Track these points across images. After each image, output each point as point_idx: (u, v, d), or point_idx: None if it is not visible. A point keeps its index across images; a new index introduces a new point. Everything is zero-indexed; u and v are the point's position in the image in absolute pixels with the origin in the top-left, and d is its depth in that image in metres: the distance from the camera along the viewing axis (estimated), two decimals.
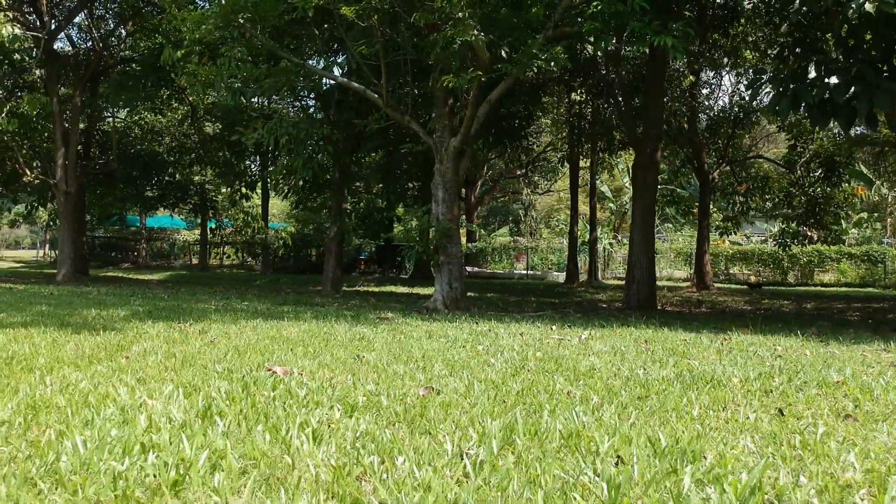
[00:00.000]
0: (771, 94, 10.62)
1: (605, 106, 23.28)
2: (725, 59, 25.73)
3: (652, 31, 10.50)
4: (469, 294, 20.86)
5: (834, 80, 10.10)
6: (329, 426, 3.38)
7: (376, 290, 22.59)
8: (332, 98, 18.63)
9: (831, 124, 11.24)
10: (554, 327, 9.20)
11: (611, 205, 49.50)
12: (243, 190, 29.25)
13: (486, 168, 39.26)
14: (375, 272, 36.76)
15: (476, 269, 38.60)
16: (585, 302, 20.09)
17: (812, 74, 10.35)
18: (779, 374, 5.40)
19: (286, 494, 2.45)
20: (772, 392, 4.68)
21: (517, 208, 55.04)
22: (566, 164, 31.14)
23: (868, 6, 8.72)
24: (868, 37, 10.07)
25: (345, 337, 7.25)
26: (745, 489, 2.51)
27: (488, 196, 45.85)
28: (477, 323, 9.50)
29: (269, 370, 4.94)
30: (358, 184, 28.00)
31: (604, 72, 21.08)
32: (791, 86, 10.37)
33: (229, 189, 30.98)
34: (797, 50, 10.85)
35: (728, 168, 29.54)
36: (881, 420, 3.95)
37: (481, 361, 5.74)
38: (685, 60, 24.63)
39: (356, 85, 14.27)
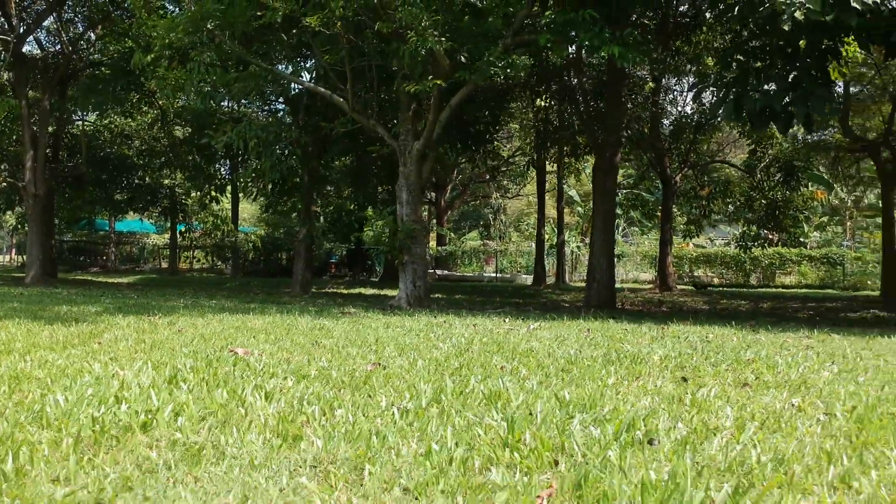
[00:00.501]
0: (715, 100, 11.21)
1: (569, 111, 23.88)
2: (688, 66, 26.44)
3: (601, 40, 11.07)
4: (437, 295, 21.32)
5: (773, 86, 10.74)
6: (281, 390, 3.84)
7: (345, 291, 22.98)
8: (301, 102, 19.03)
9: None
10: (507, 320, 9.72)
11: (579, 208, 50.24)
12: (213, 193, 29.48)
13: (456, 173, 39.79)
14: (346, 275, 37.09)
15: (446, 272, 39.09)
16: (549, 302, 20.64)
17: (753, 81, 10.98)
18: (699, 353, 5.95)
19: (238, 432, 2.92)
20: (685, 367, 5.22)
21: (487, 212, 55.66)
22: (533, 168, 31.76)
23: (798, 14, 9.33)
24: (803, 44, 10.70)
25: (306, 327, 7.70)
26: (620, 427, 3.02)
27: (458, 200, 46.38)
28: (435, 317, 9.98)
29: (232, 351, 5.39)
30: (328, 187, 28.35)
31: (566, 78, 21.68)
32: (733, 91, 10.99)
33: (199, 192, 31.17)
34: (739, 57, 11.48)
35: (690, 172, 30.28)
36: (772, 387, 4.49)
37: (430, 345, 6.23)
38: (648, 67, 25.40)
39: (322, 90, 14.71)
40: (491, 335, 7.29)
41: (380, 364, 4.93)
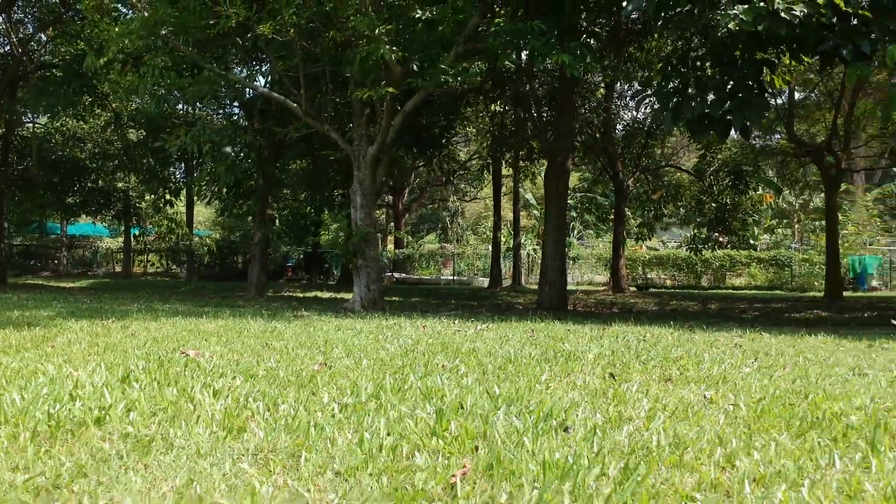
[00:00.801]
0: (656, 109, 11.64)
1: (523, 116, 24.29)
2: (640, 73, 27.05)
3: (549, 49, 11.45)
4: (393, 298, 21.54)
5: (711, 96, 11.20)
6: (229, 388, 4.07)
7: (301, 295, 23.08)
8: (256, 106, 19.13)
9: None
10: (457, 321, 10.01)
11: (535, 212, 50.84)
12: (167, 197, 29.32)
13: (413, 176, 40.06)
14: (302, 279, 37.08)
15: (404, 275, 39.30)
16: (503, 304, 21.00)
17: (692, 91, 11.44)
18: (631, 352, 6.30)
19: (186, 426, 3.15)
20: (616, 364, 5.55)
21: (445, 215, 56.01)
22: (489, 172, 32.16)
23: (732, 25, 9.78)
24: (738, 52, 11.17)
25: (258, 330, 7.89)
26: (540, 417, 3.32)
27: (416, 203, 46.66)
28: (387, 319, 10.23)
29: (183, 353, 5.58)
30: (285, 190, 28.40)
31: (519, 85, 22.07)
32: (673, 101, 11.43)
33: (153, 196, 30.97)
34: (679, 67, 11.94)
35: (643, 176, 30.92)
36: (692, 382, 4.83)
37: (378, 347, 6.48)
38: (600, 73, 25.97)
39: (276, 95, 14.87)
40: (438, 336, 7.57)
41: (326, 364, 5.18)
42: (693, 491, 2.46)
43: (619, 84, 28.87)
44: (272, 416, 3.39)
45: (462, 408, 3.65)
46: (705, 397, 4.21)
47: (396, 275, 38.50)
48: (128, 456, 2.76)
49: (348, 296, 21.72)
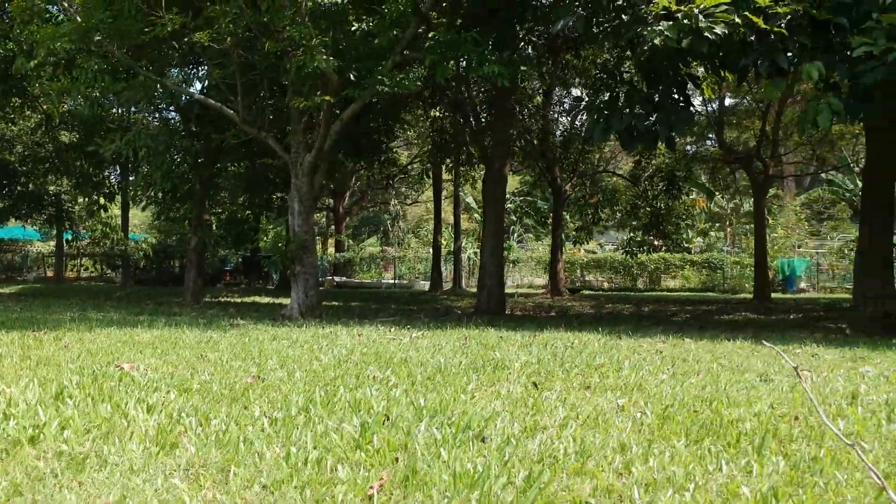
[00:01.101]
0: (588, 121, 12.02)
1: (461, 122, 24.59)
2: (577, 79, 27.61)
3: (483, 61, 11.74)
4: (333, 303, 21.61)
5: (638, 109, 11.62)
6: (163, 403, 4.19)
7: (239, 300, 22.94)
8: (193, 110, 18.98)
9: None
10: (393, 329, 10.20)
11: (476, 215, 51.27)
12: (101, 201, 28.77)
13: (354, 179, 40.06)
14: (241, 283, 36.75)
15: (345, 279, 39.26)
16: (442, 308, 21.25)
17: (621, 104, 11.86)
18: (557, 359, 6.58)
19: (120, 442, 3.29)
20: (541, 372, 5.82)
21: (387, 218, 56.06)
22: (429, 177, 32.43)
23: (657, 40, 10.20)
24: (664, 67, 11.62)
25: (193, 341, 7.96)
26: (459, 428, 3.54)
27: (357, 206, 46.63)
28: (324, 327, 10.36)
29: (118, 366, 5.65)
30: (223, 193, 28.12)
31: (457, 92, 22.35)
32: (604, 114, 11.83)
33: (87, 199, 30.34)
34: (609, 81, 12.36)
35: (580, 181, 31.54)
36: (609, 390, 5.12)
37: (312, 357, 6.63)
38: (538, 80, 26.45)
39: (213, 102, 14.83)
40: (373, 345, 7.75)
41: (259, 377, 5.32)
42: (589, 497, 2.71)
43: (556, 91, 29.42)
44: (204, 432, 3.54)
45: (388, 419, 3.85)
46: (618, 405, 4.49)
47: (337, 278, 38.45)
48: (62, 474, 2.88)
49: (287, 301, 21.68)
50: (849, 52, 9.75)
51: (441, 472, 2.85)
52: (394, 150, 30.78)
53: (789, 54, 10.50)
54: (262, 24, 12.39)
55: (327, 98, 12.13)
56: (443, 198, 35.21)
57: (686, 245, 41.94)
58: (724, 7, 9.94)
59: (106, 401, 4.16)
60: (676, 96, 11.75)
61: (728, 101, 30.98)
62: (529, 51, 21.87)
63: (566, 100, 31.71)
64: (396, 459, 3.12)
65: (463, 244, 39.32)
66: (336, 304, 21.12)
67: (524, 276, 43.54)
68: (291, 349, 7.28)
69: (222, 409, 4.10)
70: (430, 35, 11.86)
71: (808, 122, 10.07)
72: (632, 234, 31.71)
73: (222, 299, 23.26)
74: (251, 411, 4.06)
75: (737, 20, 9.97)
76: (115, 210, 35.47)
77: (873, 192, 12.92)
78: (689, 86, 12.11)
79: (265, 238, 28.80)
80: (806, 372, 6.14)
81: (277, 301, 22.52)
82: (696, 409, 4.38)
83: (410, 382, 5.14)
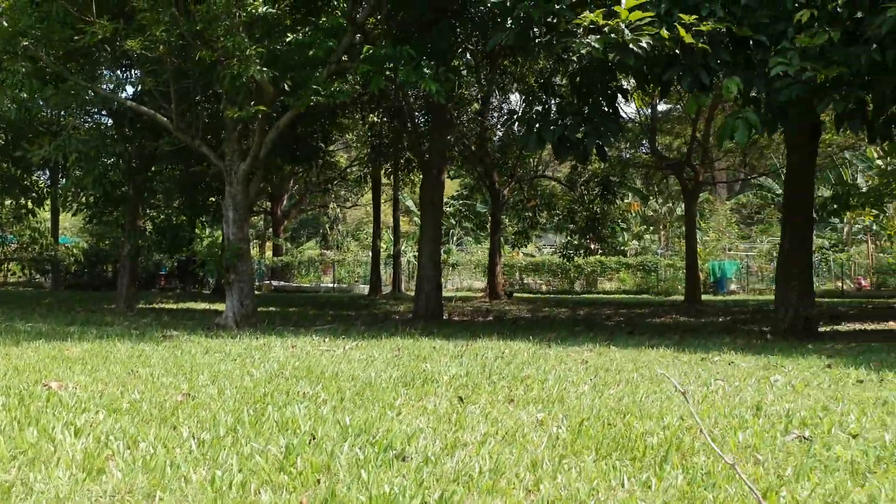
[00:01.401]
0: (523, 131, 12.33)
1: (399, 128, 24.73)
2: (515, 85, 27.97)
3: (418, 75, 11.92)
4: (270, 309, 21.49)
5: (570, 120, 11.96)
6: (91, 425, 4.24)
7: (174, 306, 22.65)
8: (126, 115, 18.69)
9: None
10: (327, 340, 10.28)
11: (416, 218, 51.39)
12: (30, 205, 28.02)
13: (292, 182, 39.81)
14: (176, 288, 36.19)
15: (283, 283, 38.97)
16: (380, 313, 21.34)
17: (553, 115, 12.18)
18: (486, 371, 6.79)
19: (46, 469, 3.35)
20: (468, 385, 6.01)
21: (325, 221, 55.79)
22: (367, 183, 32.51)
23: (584, 51, 10.52)
24: (594, 80, 11.98)
25: (124, 355, 7.93)
26: (382, 447, 3.70)
27: (295, 209, 46.32)
28: (258, 338, 10.38)
29: (46, 385, 5.64)
30: (158, 195, 27.64)
31: (394, 100, 22.48)
32: (536, 125, 12.12)
33: (14, 203, 29.49)
34: (541, 94, 12.70)
35: (518, 186, 31.98)
36: (532, 403, 5.34)
37: (244, 372, 6.70)
38: (476, 87, 26.79)
39: (146, 109, 14.67)
40: (305, 358, 7.84)
41: (190, 394, 5.38)
42: None
43: (495, 96, 29.77)
44: (132, 455, 3.62)
45: (314, 439, 3.99)
46: (537, 419, 4.70)
47: (275, 283, 38.16)
48: None
49: (223, 307, 21.49)
50: (767, 70, 10.23)
51: (359, 493, 3.00)
52: (333, 153, 30.73)
53: (712, 69, 10.95)
54: (196, 33, 12.33)
55: (261, 108, 12.15)
56: (382, 201, 35.29)
57: (621, 248, 42.91)
58: (649, 20, 10.29)
59: (33, 424, 4.19)
60: (606, 108, 12.11)
61: (663, 107, 31.82)
62: (468, 56, 22.17)
63: (505, 105, 32.11)
64: (318, 481, 3.26)
65: (403, 247, 39.44)
66: (273, 309, 21.02)
67: (464, 279, 43.86)
68: (223, 363, 7.33)
69: (151, 430, 4.17)
70: (365, 48, 11.97)
71: (727, 136, 10.51)
72: (569, 238, 32.29)
73: (157, 305, 22.92)
74: (180, 432, 4.14)
75: (664, 34, 10.31)
76: (45, 214, 34.56)
77: (793, 203, 13.49)
78: (618, 97, 12.49)
79: (200, 244, 28.36)
80: (720, 382, 6.47)
81: (213, 307, 22.28)
82: (611, 422, 4.61)
83: (339, 399, 5.27)
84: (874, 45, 9.81)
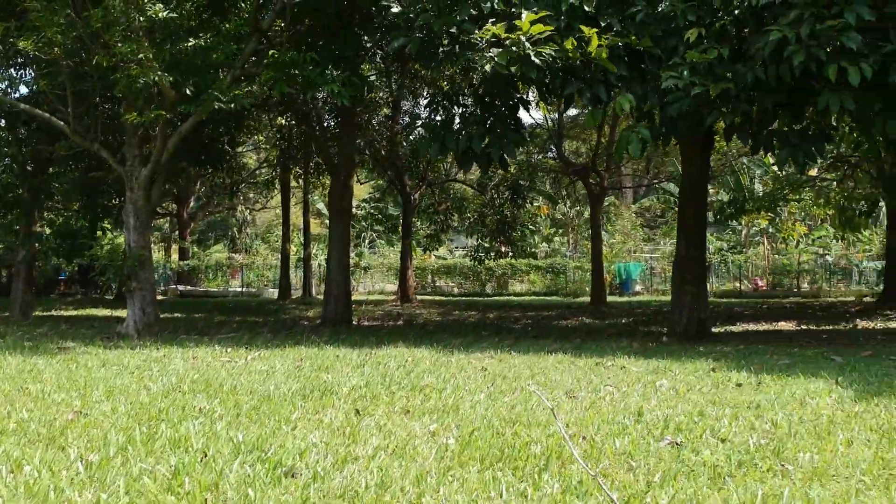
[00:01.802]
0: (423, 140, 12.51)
1: (308, 132, 24.55)
2: (426, 89, 28.12)
3: (322, 80, 11.95)
4: (175, 315, 21.03)
5: (473, 130, 12.19)
6: None
7: (74, 313, 21.88)
8: (20, 117, 17.99)
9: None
10: (229, 350, 10.20)
11: (328, 221, 51.01)
12: None
13: (199, 184, 38.97)
14: (77, 294, 34.91)
15: (189, 287, 38.10)
16: (289, 319, 21.17)
17: (457, 125, 12.40)
18: (385, 381, 6.90)
19: None
20: (367, 397, 6.11)
21: (234, 224, 54.78)
22: (275, 186, 32.21)
23: (487, 66, 10.76)
24: (497, 91, 12.25)
25: (15, 369, 7.70)
26: (272, 464, 3.77)
27: (202, 212, 45.35)
28: (158, 349, 10.21)
29: None
30: (56, 197, 26.63)
31: (302, 104, 22.32)
32: (440, 134, 12.31)
33: None
34: (445, 103, 12.90)
35: (429, 189, 32.20)
36: (427, 413, 5.48)
37: (140, 386, 6.62)
38: (386, 90, 26.87)
39: (41, 112, 14.19)
40: (206, 370, 7.78)
41: (82, 412, 5.31)
42: None
43: (406, 100, 29.91)
44: (15, 480, 3.58)
45: (206, 456, 4.02)
46: (430, 431, 4.85)
47: (181, 287, 37.28)
48: None
49: (126, 313, 20.88)
50: (659, 83, 10.71)
51: None
52: (242, 154, 30.28)
53: (610, 84, 11.36)
54: (93, 35, 12.00)
55: (162, 113, 11.93)
56: (293, 204, 34.94)
57: (531, 251, 43.71)
58: (549, 33, 10.60)
59: None
60: (509, 120, 12.40)
61: (573, 111, 32.58)
62: (378, 59, 22.23)
63: (417, 109, 32.25)
64: (206, 501, 3.31)
65: (314, 251, 39.11)
66: (178, 316, 20.60)
67: (376, 283, 43.82)
68: (120, 377, 7.22)
69: (38, 452, 4.12)
70: (270, 53, 11.90)
71: (623, 149, 10.94)
72: (480, 241, 32.71)
73: (55, 312, 22.08)
74: (68, 454, 4.10)
75: (570, 44, 10.63)
76: None
77: (688, 211, 14.10)
78: (520, 108, 12.80)
79: (101, 249, 27.46)
80: (609, 388, 6.77)
81: (115, 314, 21.62)
82: (500, 432, 4.80)
83: (236, 414, 5.30)
84: (759, 64, 10.40)
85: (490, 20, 11.19)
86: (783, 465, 4.01)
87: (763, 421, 5.22)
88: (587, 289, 37.59)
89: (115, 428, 4.75)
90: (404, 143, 30.94)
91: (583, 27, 10.62)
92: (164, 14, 11.26)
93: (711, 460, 4.08)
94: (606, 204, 45.67)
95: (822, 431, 4.83)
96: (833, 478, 3.83)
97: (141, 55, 10.98)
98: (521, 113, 13.45)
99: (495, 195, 31.30)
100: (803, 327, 16.71)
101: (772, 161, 29.81)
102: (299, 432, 4.75)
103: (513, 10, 10.98)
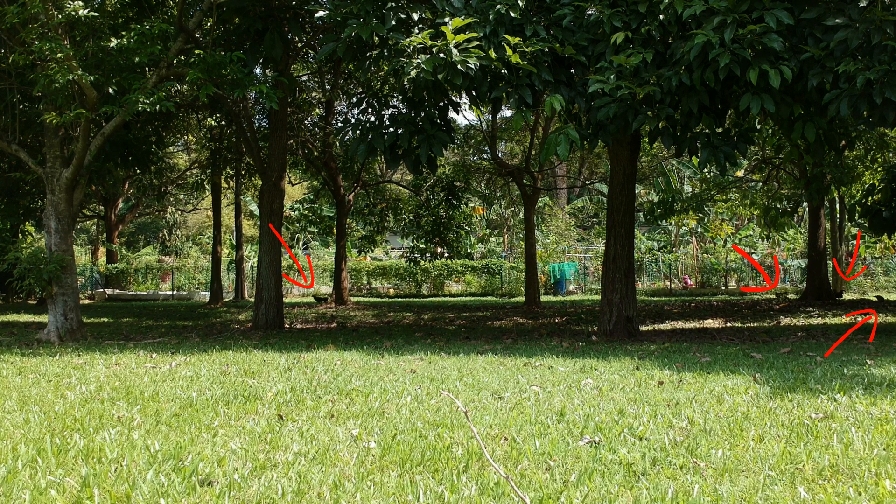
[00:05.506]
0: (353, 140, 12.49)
1: (238, 133, 24.20)
2: (360, 90, 28.02)
3: (249, 81, 11.80)
4: (102, 319, 20.48)
5: (401, 130, 12.21)
6: None
7: None
8: None
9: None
10: (154, 355, 9.98)
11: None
12: None
13: (128, 185, 38.03)
14: None
15: (117, 290, 37.14)
16: (219, 323, 20.80)
17: (386, 124, 12.41)
18: (312, 385, 6.85)
19: None
20: (292, 402, 6.06)
21: (164, 226, 53.63)
22: (206, 188, 31.67)
23: (413, 73, 10.79)
24: (425, 95, 12.30)
25: None
26: (188, 472, 3.71)
27: (131, 213, 44.26)
28: (80, 355, 9.93)
29: None
30: None
31: (232, 104, 21.99)
32: (369, 134, 12.30)
33: None
34: (374, 104, 12.89)
35: (363, 191, 32.09)
36: (352, 417, 5.46)
37: (57, 395, 6.43)
38: (321, 91, 26.67)
39: None
40: (128, 377, 7.60)
41: None
42: None
43: (340, 101, 29.75)
44: None
45: (121, 465, 3.93)
46: (352, 435, 4.84)
47: (109, 291, 36.31)
48: None
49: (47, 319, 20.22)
50: (586, 88, 10.90)
51: None
52: (171, 155, 29.67)
53: (537, 88, 11.52)
54: (10, 30, 11.61)
55: (83, 112, 11.61)
56: (224, 205, 34.38)
57: (467, 252, 43.96)
58: (476, 43, 10.70)
59: None
60: (439, 121, 12.45)
61: (509, 112, 32.86)
62: (311, 60, 22.04)
63: (349, 109, 32.10)
64: None
65: (246, 253, 38.57)
66: (105, 320, 20.06)
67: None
68: (36, 386, 6.99)
69: None
70: (196, 52, 11.70)
71: (552, 151, 11.09)
72: (415, 242, 32.76)
73: None
74: None
75: (491, 54, 10.76)
76: None
77: (617, 210, 14.36)
78: (450, 111, 12.87)
79: (23, 251, 26.57)
80: (535, 388, 6.86)
81: (38, 319, 20.96)
82: (423, 435, 4.82)
83: (155, 422, 5.19)
84: (683, 68, 10.68)
85: (417, 27, 11.26)
86: (696, 462, 4.12)
87: (681, 418, 5.35)
88: (522, 289, 38.07)
89: (25, 440, 4.60)
90: (338, 144, 30.80)
91: (507, 36, 10.76)
92: (84, 12, 10.96)
93: (627, 458, 4.16)
94: (541, 205, 46.25)
95: (735, 428, 4.98)
96: (742, 473, 3.95)
97: (60, 54, 10.65)
98: (455, 114, 13.51)
99: (430, 196, 31.39)
100: (729, 324, 17.20)
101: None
102: (220, 439, 4.68)
103: (437, 20, 11.09)
